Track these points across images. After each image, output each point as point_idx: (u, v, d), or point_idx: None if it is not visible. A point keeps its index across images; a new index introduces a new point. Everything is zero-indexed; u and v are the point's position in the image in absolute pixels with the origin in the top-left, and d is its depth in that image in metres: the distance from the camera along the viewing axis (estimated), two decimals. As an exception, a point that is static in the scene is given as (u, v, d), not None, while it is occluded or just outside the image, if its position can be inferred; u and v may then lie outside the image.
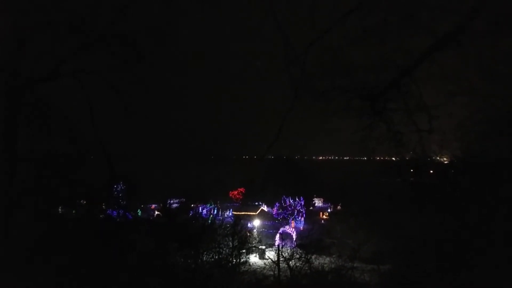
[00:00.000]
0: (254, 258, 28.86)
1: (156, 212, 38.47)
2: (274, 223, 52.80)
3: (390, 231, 19.37)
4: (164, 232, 19.32)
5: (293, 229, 45.48)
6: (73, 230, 14.28)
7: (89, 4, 9.80)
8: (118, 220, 19.23)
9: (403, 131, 8.21)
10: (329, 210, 61.83)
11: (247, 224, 40.50)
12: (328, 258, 23.00)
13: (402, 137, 8.27)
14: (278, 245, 25.66)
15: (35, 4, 9.28)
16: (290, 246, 25.43)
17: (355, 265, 19.78)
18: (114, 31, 9.47)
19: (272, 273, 21.11)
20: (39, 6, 9.28)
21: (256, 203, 63.66)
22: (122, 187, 21.70)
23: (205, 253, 19.47)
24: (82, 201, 18.31)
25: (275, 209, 60.02)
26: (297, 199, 58.74)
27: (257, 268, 23.40)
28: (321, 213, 60.41)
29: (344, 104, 8.30)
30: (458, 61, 7.38)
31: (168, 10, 10.39)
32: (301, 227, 52.39)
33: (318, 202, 69.90)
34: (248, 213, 53.86)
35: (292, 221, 55.21)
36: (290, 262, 19.87)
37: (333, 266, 20.41)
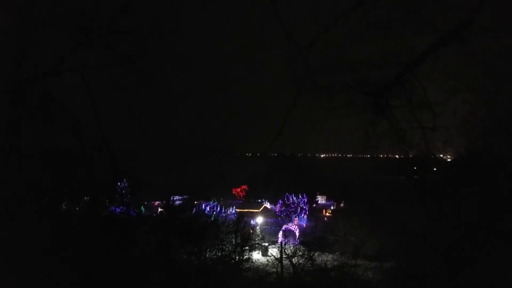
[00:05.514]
0: (257, 255, 28.89)
1: (160, 209, 38.56)
2: (277, 220, 52.84)
3: (393, 229, 19.36)
4: (167, 229, 19.37)
5: (296, 226, 45.50)
6: (76, 227, 14.33)
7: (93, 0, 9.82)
8: (121, 217, 19.28)
9: (406, 128, 8.18)
10: (332, 208, 61.81)
11: (250, 221, 40.51)
12: (331, 255, 23.01)
13: (405, 134, 8.25)
14: (281, 242, 25.65)
15: (39, 0, 9.30)
16: (293, 243, 25.44)
17: (358, 262, 19.79)
18: (117, 27, 9.47)
19: (275, 270, 21.16)
20: (43, 2, 9.30)
21: (259, 200, 63.67)
22: (126, 184, 21.71)
23: (208, 250, 19.53)
24: (85, 197, 18.37)
25: (278, 206, 60.03)
26: (300, 197, 58.73)
27: (259, 265, 23.47)
28: (324, 210, 60.37)
29: (347, 100, 8.28)
30: (462, 58, 7.35)
31: (171, 7, 10.40)
32: (304, 224, 52.41)
33: (321, 200, 69.86)
34: (251, 210, 53.90)
35: (295, 218, 55.23)
36: (293, 259, 19.88)
37: (336, 263, 20.44)
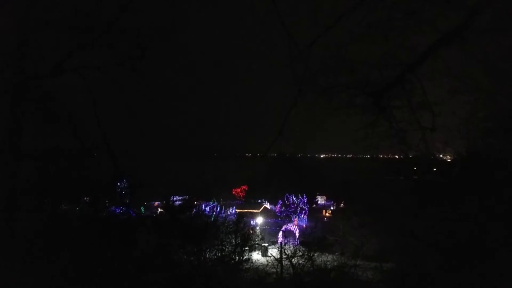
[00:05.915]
0: (256, 256, 28.91)
1: (159, 210, 38.53)
2: (277, 221, 52.83)
3: (393, 229, 19.35)
4: (167, 229, 19.35)
5: (296, 227, 45.47)
6: (76, 227, 14.33)
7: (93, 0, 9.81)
8: (121, 217, 19.27)
9: (406, 129, 8.18)
10: (332, 208, 61.81)
11: (250, 222, 40.50)
12: (330, 256, 23.04)
13: (405, 134, 8.24)
14: (281, 243, 25.68)
15: (39, 0, 9.30)
16: (292, 244, 25.47)
17: (357, 263, 19.81)
18: (117, 27, 9.46)
19: (274, 270, 21.19)
20: (43, 2, 9.30)
21: (259, 201, 63.65)
22: (126, 184, 21.68)
23: (208, 250, 19.55)
24: (85, 198, 18.36)
25: (278, 207, 60.03)
26: (300, 197, 58.73)
27: (259, 266, 23.49)
28: (324, 210, 60.36)
29: (347, 101, 8.28)
30: (463, 58, 7.33)
31: (171, 7, 10.39)
32: (304, 225, 52.39)
33: (321, 200, 69.85)
34: (251, 210, 53.87)
35: (295, 219, 55.21)
36: (293, 260, 19.89)
37: (335, 263, 20.47)
